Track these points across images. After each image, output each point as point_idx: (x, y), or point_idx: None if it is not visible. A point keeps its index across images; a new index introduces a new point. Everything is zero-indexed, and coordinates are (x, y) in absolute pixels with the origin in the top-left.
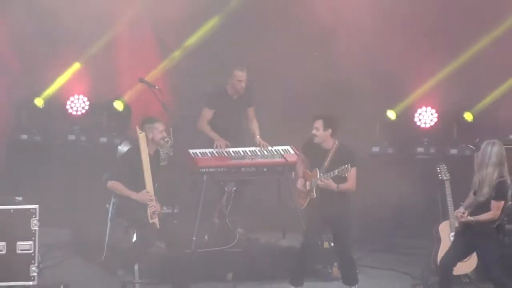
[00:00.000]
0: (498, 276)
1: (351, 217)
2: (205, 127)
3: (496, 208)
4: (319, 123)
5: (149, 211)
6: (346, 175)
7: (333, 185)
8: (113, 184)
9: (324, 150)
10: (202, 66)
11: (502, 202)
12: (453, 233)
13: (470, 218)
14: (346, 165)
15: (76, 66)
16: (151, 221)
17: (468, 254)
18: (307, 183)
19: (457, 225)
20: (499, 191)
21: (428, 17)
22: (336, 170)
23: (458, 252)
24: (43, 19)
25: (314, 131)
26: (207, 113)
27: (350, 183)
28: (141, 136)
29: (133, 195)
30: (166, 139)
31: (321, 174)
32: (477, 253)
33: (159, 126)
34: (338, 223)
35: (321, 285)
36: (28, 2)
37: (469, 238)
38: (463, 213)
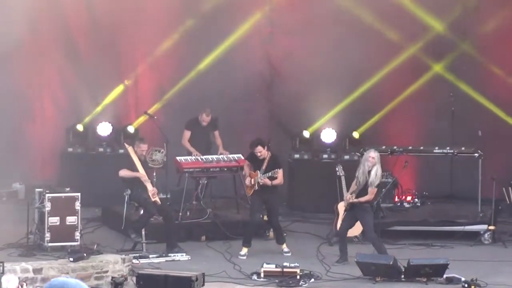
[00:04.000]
0: (373, 236)
1: (280, 200)
2: (187, 144)
3: (371, 193)
4: (259, 148)
5: (150, 194)
6: (276, 175)
7: (268, 182)
8: (123, 172)
9: (262, 159)
10: (186, 103)
11: (376, 189)
12: None
13: (355, 200)
14: (276, 169)
15: (99, 108)
16: (153, 199)
17: (355, 223)
18: (252, 180)
19: (345, 205)
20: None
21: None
22: (270, 172)
23: (349, 222)
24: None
25: (259, 154)
26: (187, 134)
27: (279, 180)
28: (130, 149)
29: (136, 174)
30: (144, 155)
31: (261, 175)
32: (360, 222)
33: (142, 146)
34: (271, 204)
35: (262, 243)
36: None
37: (354, 212)
38: (350, 197)
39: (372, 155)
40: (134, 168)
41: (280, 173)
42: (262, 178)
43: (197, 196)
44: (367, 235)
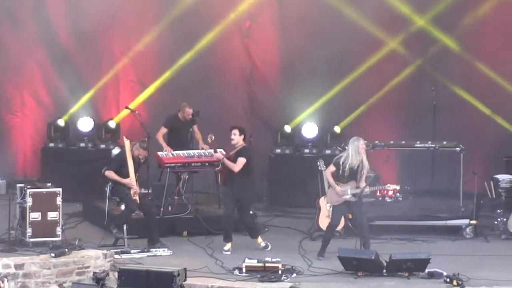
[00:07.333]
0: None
1: (253, 197)
2: (160, 138)
3: (365, 178)
4: (235, 131)
5: (132, 192)
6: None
7: (220, 156)
8: (109, 174)
9: (234, 146)
10: (167, 98)
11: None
12: (328, 204)
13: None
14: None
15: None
16: (133, 198)
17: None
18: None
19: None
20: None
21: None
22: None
23: (342, 212)
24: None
25: (232, 136)
26: (163, 130)
27: (235, 165)
28: (127, 143)
29: (122, 180)
30: (141, 157)
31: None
32: (356, 209)
33: (142, 151)
34: (243, 202)
35: (243, 238)
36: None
37: (348, 202)
38: (365, 186)
39: (363, 141)
40: (123, 168)
41: (241, 161)
42: (222, 154)
43: (179, 191)
44: (362, 219)
